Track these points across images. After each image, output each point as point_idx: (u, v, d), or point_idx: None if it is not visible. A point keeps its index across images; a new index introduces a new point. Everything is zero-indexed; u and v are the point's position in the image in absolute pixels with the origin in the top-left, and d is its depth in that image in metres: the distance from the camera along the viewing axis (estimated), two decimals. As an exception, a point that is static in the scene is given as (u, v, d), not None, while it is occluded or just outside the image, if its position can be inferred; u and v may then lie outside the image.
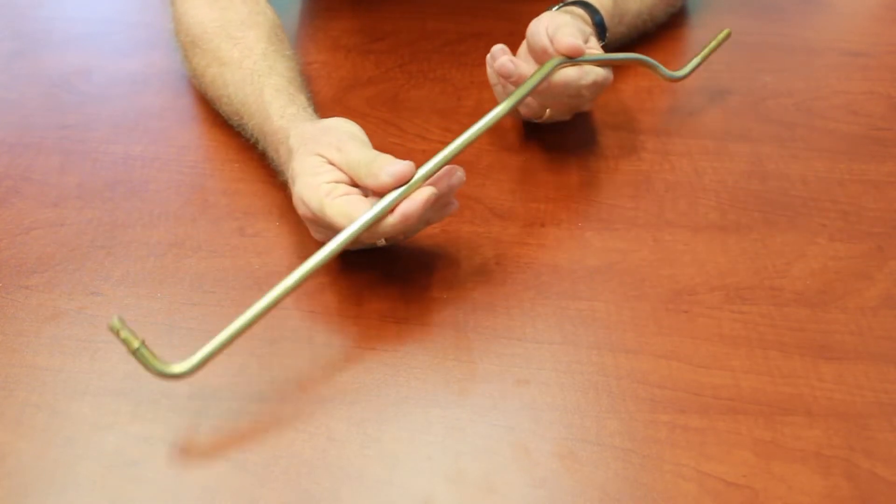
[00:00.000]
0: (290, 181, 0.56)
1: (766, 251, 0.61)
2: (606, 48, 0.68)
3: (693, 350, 0.54)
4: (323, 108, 0.71)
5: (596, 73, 0.60)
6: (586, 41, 0.62)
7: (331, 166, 0.53)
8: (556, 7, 0.68)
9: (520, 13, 0.83)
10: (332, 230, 0.51)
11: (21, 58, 0.77)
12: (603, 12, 0.68)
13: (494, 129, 0.68)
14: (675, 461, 0.48)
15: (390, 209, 0.50)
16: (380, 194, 0.51)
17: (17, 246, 0.59)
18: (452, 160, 0.53)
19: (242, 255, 0.59)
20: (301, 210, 0.53)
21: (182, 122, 0.71)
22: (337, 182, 0.52)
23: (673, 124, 0.71)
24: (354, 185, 0.53)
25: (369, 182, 0.51)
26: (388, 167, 0.51)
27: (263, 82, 0.63)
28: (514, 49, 0.62)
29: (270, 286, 0.48)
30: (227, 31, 0.66)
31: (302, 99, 0.63)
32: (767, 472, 0.48)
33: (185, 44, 0.70)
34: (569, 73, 0.59)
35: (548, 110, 0.64)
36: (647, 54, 0.67)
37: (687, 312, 0.56)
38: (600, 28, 0.68)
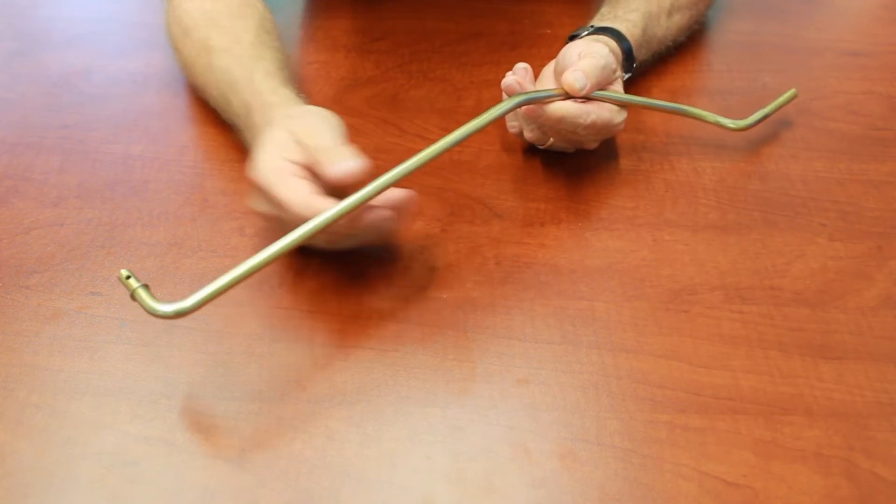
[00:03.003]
0: (256, 145, 0.55)
1: (765, 251, 0.61)
2: (631, 77, 0.68)
3: (693, 350, 0.54)
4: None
5: (597, 116, 0.59)
6: (612, 82, 0.62)
7: (297, 146, 0.53)
8: (586, 32, 0.67)
9: (520, 13, 0.83)
10: (273, 204, 0.51)
11: (21, 58, 0.77)
12: (632, 41, 0.67)
13: (495, 129, 0.68)
14: (674, 461, 0.48)
15: (351, 209, 0.50)
16: (329, 188, 0.51)
17: (17, 246, 0.59)
18: (401, 181, 0.52)
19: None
20: (252, 175, 0.53)
21: (182, 122, 0.71)
22: (295, 162, 0.52)
23: (673, 124, 0.71)
24: (314, 175, 0.52)
25: (323, 169, 0.51)
26: (344, 162, 0.50)
27: (254, 66, 0.63)
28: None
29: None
30: (216, 21, 0.67)
31: (292, 87, 0.62)
32: (767, 472, 0.48)
33: (175, 35, 0.70)
34: (567, 110, 0.58)
35: (551, 139, 0.64)
36: None
37: (687, 312, 0.56)
38: (628, 55, 0.67)
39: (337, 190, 0.51)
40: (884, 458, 0.49)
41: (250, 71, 0.62)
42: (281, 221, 0.52)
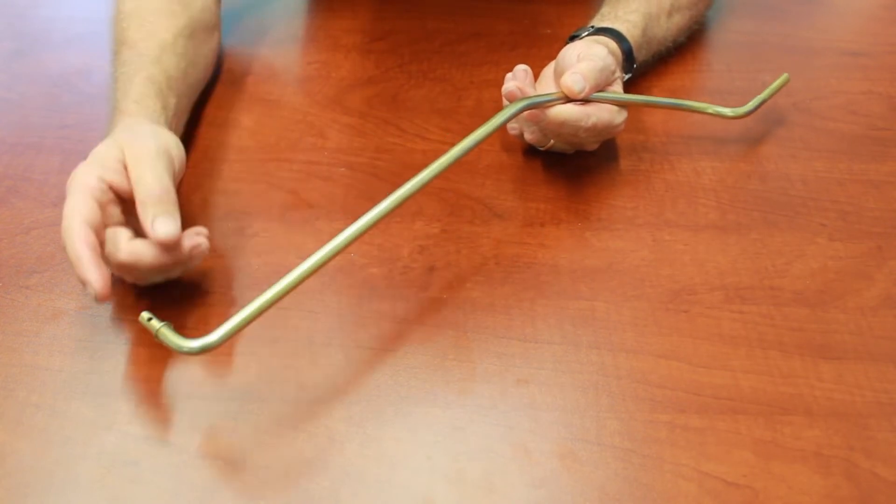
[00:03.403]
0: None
1: (765, 251, 0.61)
2: (631, 77, 0.68)
3: (693, 350, 0.54)
4: (323, 108, 0.71)
5: (598, 118, 0.59)
6: (611, 83, 0.61)
7: (119, 169, 0.51)
8: (587, 33, 0.67)
9: (520, 13, 0.83)
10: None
11: (21, 58, 0.77)
12: (632, 41, 0.67)
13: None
14: (674, 461, 0.48)
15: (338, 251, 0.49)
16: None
17: (17, 246, 0.59)
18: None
19: (242, 255, 0.59)
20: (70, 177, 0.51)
21: (182, 122, 0.71)
22: (108, 185, 0.51)
23: (672, 124, 0.71)
24: (123, 201, 0.51)
25: (144, 223, 0.49)
26: (158, 221, 0.49)
27: (144, 67, 0.60)
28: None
29: (270, 286, 0.48)
30: (141, 14, 0.65)
31: (170, 101, 0.60)
32: (767, 472, 0.48)
33: (112, 20, 0.67)
34: (568, 113, 0.58)
35: (552, 140, 0.64)
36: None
37: (687, 312, 0.56)
38: (628, 56, 0.67)
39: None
40: (884, 458, 0.49)
41: (138, 71, 0.60)
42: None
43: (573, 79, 0.58)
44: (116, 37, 0.65)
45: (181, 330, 0.48)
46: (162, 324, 0.48)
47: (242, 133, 0.68)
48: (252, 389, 0.51)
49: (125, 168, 0.51)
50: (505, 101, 0.62)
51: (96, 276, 0.47)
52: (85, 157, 0.66)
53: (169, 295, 0.56)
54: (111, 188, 0.51)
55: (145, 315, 0.48)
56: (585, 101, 0.59)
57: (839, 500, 0.47)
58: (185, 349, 0.46)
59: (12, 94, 0.73)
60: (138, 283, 0.55)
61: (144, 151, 0.52)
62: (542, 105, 0.58)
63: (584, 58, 0.60)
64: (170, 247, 0.50)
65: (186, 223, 0.61)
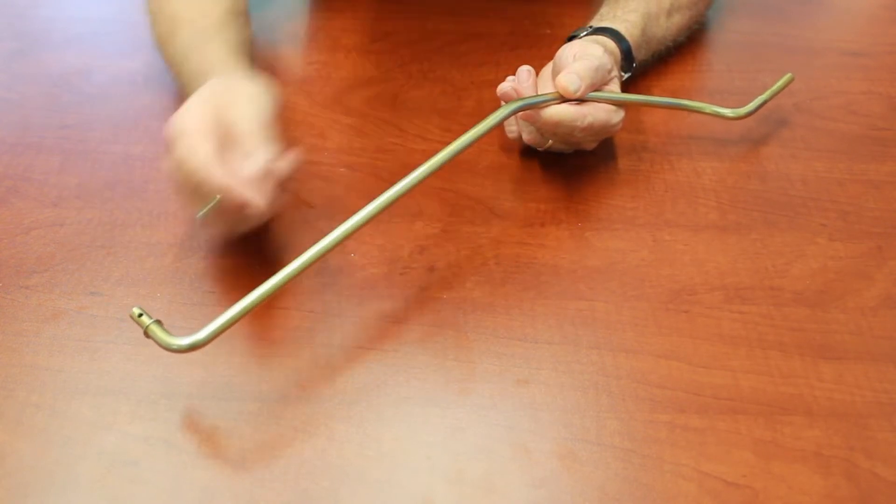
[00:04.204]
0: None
1: (765, 251, 0.61)
2: (631, 77, 0.68)
3: (693, 350, 0.54)
4: (323, 109, 0.71)
5: (594, 118, 0.59)
6: (607, 83, 0.61)
7: (216, 113, 0.52)
8: (585, 33, 0.67)
9: (520, 13, 0.83)
10: (172, 159, 0.51)
11: (21, 58, 0.77)
12: (631, 41, 0.67)
13: (494, 130, 0.68)
14: (674, 461, 0.48)
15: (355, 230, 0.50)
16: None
17: (17, 246, 0.59)
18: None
19: (242, 255, 0.59)
20: (167, 127, 0.52)
21: (182, 122, 0.71)
22: (210, 127, 0.51)
23: (673, 124, 0.71)
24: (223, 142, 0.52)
25: (240, 159, 0.51)
26: (250, 159, 0.50)
27: (213, 36, 0.63)
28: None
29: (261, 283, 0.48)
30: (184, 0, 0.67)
31: (243, 61, 0.63)
32: (767, 472, 0.48)
33: (152, 13, 0.70)
34: (564, 112, 0.58)
35: (550, 141, 0.64)
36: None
37: (687, 312, 0.56)
38: (627, 55, 0.67)
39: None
40: (884, 458, 0.49)
41: (207, 41, 0.63)
42: (176, 181, 0.51)
43: (568, 78, 0.58)
44: (166, 21, 0.67)
45: (180, 331, 0.48)
46: (152, 320, 0.47)
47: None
48: (252, 389, 0.51)
49: (222, 115, 0.52)
50: (502, 103, 0.62)
51: (256, 194, 0.49)
52: (85, 157, 0.66)
53: (168, 295, 0.56)
54: (208, 127, 0.52)
55: (136, 310, 0.47)
56: (581, 100, 0.59)
57: (839, 500, 0.47)
58: (173, 347, 0.46)
59: (12, 94, 0.73)
60: (232, 231, 0.56)
61: (243, 95, 0.54)
62: (537, 105, 0.58)
63: (580, 57, 0.60)
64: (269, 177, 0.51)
65: (186, 222, 0.61)
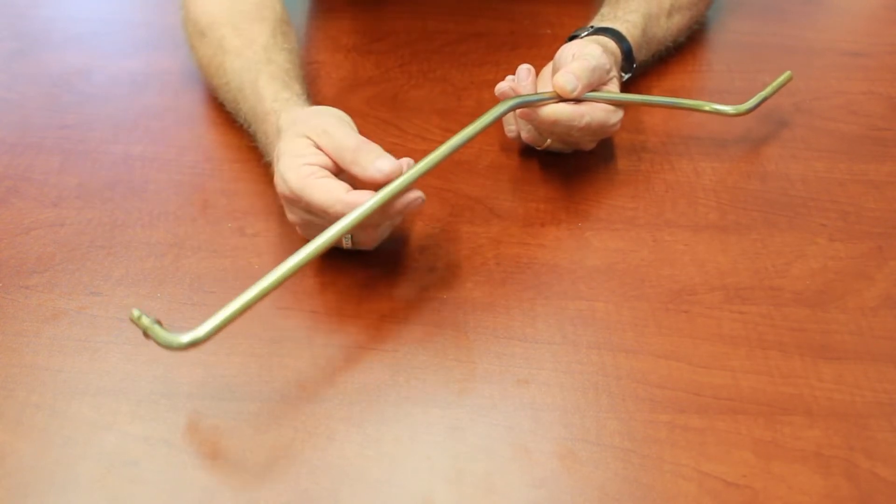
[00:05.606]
0: (275, 160, 0.55)
1: (765, 251, 0.61)
2: (631, 77, 0.68)
3: (693, 350, 0.54)
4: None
5: (591, 117, 0.59)
6: (606, 83, 0.61)
7: (316, 150, 0.53)
8: (586, 33, 0.67)
9: (520, 13, 0.83)
10: (310, 211, 0.52)
11: (21, 58, 0.77)
12: (631, 41, 0.67)
13: (494, 130, 0.68)
14: (674, 461, 0.48)
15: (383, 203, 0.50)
16: (364, 185, 0.51)
17: (17, 246, 0.59)
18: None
19: (242, 255, 0.59)
20: (280, 188, 0.53)
21: (182, 122, 0.71)
22: (320, 166, 0.52)
23: (673, 124, 0.71)
24: (338, 171, 0.53)
25: (356, 170, 0.51)
26: (378, 162, 0.51)
27: (261, 69, 0.63)
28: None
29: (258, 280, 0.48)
30: (233, 22, 0.67)
31: (297, 87, 0.63)
32: (767, 472, 0.48)
33: (192, 34, 0.70)
34: (561, 112, 0.58)
35: (548, 140, 0.64)
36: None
37: (687, 312, 0.56)
38: (628, 56, 0.67)
39: (362, 185, 0.51)
40: (884, 458, 0.49)
41: (256, 75, 0.63)
42: (320, 227, 0.51)
43: (565, 78, 0.58)
44: (211, 48, 0.67)
45: (182, 329, 0.48)
46: (151, 320, 0.47)
47: (243, 133, 0.67)
48: (252, 389, 0.51)
49: (321, 148, 0.53)
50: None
51: (414, 191, 0.51)
52: (85, 157, 0.67)
53: (168, 295, 0.56)
54: (319, 167, 0.52)
55: (135, 312, 0.47)
56: (578, 100, 0.59)
57: (839, 500, 0.47)
58: (174, 345, 0.46)
59: (12, 94, 0.73)
60: (364, 244, 0.56)
61: (327, 124, 0.54)
62: (533, 104, 0.58)
63: (579, 57, 0.60)
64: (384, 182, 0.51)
65: (187, 223, 0.62)
